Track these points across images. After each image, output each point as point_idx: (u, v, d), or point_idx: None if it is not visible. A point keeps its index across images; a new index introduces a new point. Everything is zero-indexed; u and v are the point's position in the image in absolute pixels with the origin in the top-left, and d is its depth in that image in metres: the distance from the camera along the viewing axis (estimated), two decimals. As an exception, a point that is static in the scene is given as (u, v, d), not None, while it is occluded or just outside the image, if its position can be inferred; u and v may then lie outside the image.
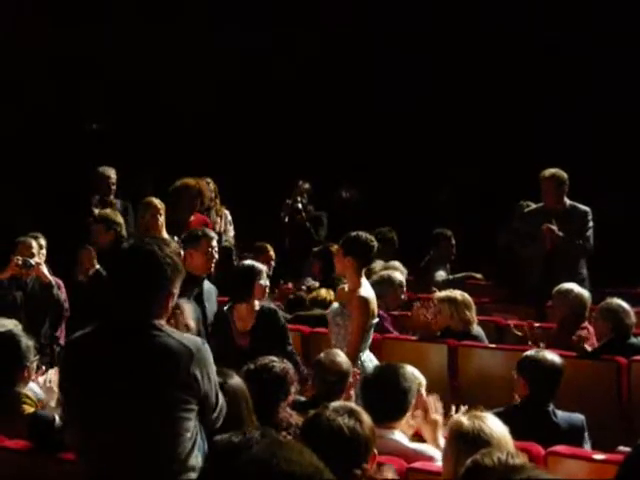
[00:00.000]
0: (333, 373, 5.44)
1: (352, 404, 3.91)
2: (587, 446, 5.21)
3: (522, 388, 5.39)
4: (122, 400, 3.58)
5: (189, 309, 5.89)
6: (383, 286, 7.58)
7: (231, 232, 9.12)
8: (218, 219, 9.06)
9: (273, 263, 8.82)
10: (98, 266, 7.57)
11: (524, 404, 5.35)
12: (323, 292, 7.96)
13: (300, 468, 2.29)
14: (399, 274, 7.55)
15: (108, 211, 8.13)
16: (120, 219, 8.01)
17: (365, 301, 6.27)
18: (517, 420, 4.96)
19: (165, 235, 8.10)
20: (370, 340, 6.41)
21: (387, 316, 7.56)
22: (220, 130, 12.02)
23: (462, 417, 3.90)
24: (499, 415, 5.00)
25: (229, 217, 9.22)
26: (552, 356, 5.41)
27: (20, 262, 7.29)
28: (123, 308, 3.69)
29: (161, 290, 3.66)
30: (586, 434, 5.27)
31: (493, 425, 3.82)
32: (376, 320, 6.46)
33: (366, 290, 6.31)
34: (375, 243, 6.42)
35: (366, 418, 3.56)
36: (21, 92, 10.80)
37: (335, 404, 3.68)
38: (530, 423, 5.06)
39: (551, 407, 5.30)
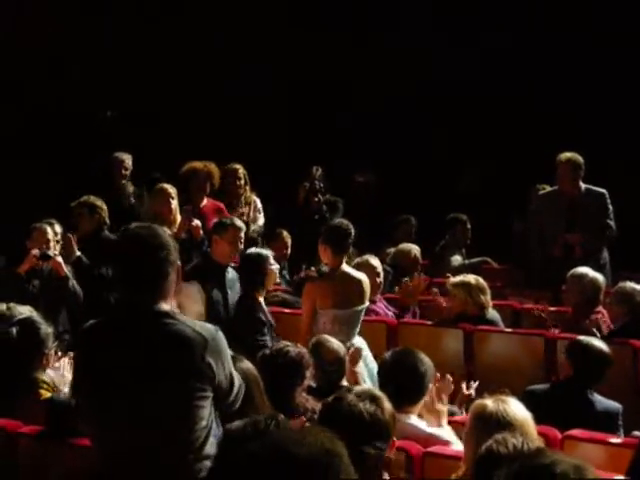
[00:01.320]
0: (330, 362, 5.45)
1: (374, 389, 3.89)
2: (621, 434, 5.24)
3: (567, 369, 5.47)
4: (135, 389, 3.53)
5: (194, 292, 5.88)
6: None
7: (260, 220, 9.00)
8: (247, 207, 8.99)
9: (289, 250, 8.81)
10: (79, 253, 7.55)
11: (565, 384, 5.44)
12: None
13: (307, 450, 2.28)
14: (374, 259, 7.54)
15: (92, 197, 8.01)
16: (104, 205, 7.95)
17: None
18: (555, 398, 5.14)
19: (179, 219, 8.11)
20: (354, 329, 6.46)
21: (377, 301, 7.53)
22: (226, 121, 11.94)
23: (486, 400, 3.90)
24: (538, 392, 5.12)
25: (259, 205, 9.05)
26: (601, 344, 5.49)
27: (38, 255, 7.23)
28: (129, 295, 3.66)
29: (165, 274, 3.61)
30: (620, 423, 5.32)
31: (516, 409, 3.83)
32: (357, 308, 6.49)
33: (332, 277, 6.44)
34: (352, 231, 6.53)
35: (387, 404, 3.54)
36: (21, 92, 10.76)
37: (357, 389, 3.66)
38: (567, 403, 5.20)
39: (590, 390, 5.35)
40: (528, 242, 9.03)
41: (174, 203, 8.20)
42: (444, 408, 4.83)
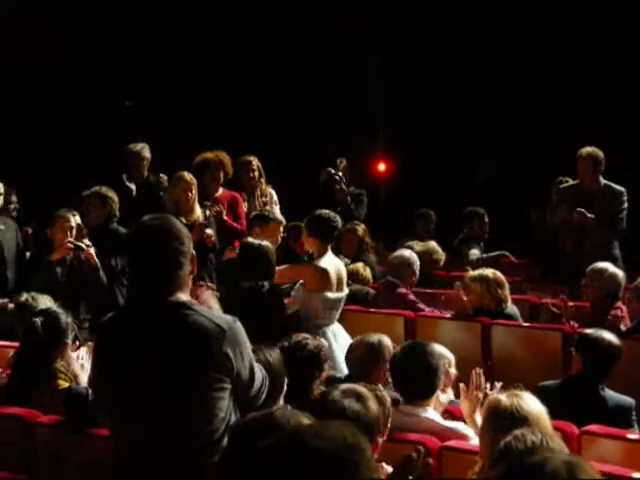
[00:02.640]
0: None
1: (361, 387, 3.87)
2: (635, 429, 5.20)
3: (577, 364, 5.43)
4: (154, 380, 3.52)
5: (208, 294, 5.90)
6: (402, 266, 7.55)
7: (277, 212, 9.04)
8: (264, 199, 8.97)
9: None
10: (89, 243, 7.56)
11: (575, 379, 5.40)
12: (360, 268, 7.95)
13: (327, 443, 2.22)
14: (415, 255, 7.55)
15: (104, 187, 7.98)
16: (115, 197, 7.93)
17: (312, 270, 6.55)
18: (566, 394, 5.13)
19: (198, 210, 8.12)
20: (337, 314, 6.57)
21: (407, 291, 7.51)
22: (226, 121, 11.94)
23: (500, 395, 3.89)
24: (550, 387, 5.08)
25: (275, 197, 9.03)
26: (610, 336, 5.43)
27: (72, 246, 7.21)
28: (145, 287, 3.63)
29: (180, 264, 3.59)
30: (634, 417, 5.27)
31: (531, 403, 3.82)
32: (341, 295, 6.57)
33: (324, 263, 6.52)
34: (338, 222, 6.63)
35: (372, 404, 3.54)
36: (24, 93, 10.79)
37: (344, 386, 3.69)
38: (579, 398, 5.16)
39: (601, 385, 5.32)
40: (545, 234, 9.02)
41: (193, 192, 8.17)
42: (480, 396, 4.76)
